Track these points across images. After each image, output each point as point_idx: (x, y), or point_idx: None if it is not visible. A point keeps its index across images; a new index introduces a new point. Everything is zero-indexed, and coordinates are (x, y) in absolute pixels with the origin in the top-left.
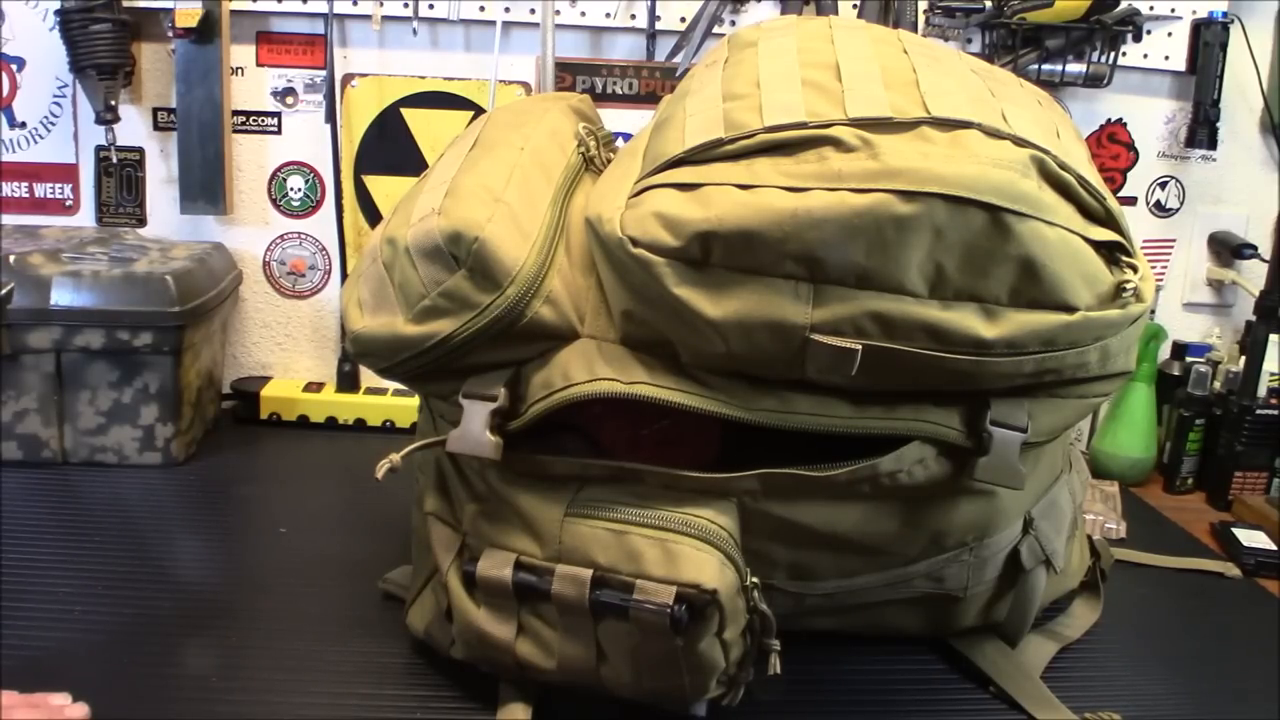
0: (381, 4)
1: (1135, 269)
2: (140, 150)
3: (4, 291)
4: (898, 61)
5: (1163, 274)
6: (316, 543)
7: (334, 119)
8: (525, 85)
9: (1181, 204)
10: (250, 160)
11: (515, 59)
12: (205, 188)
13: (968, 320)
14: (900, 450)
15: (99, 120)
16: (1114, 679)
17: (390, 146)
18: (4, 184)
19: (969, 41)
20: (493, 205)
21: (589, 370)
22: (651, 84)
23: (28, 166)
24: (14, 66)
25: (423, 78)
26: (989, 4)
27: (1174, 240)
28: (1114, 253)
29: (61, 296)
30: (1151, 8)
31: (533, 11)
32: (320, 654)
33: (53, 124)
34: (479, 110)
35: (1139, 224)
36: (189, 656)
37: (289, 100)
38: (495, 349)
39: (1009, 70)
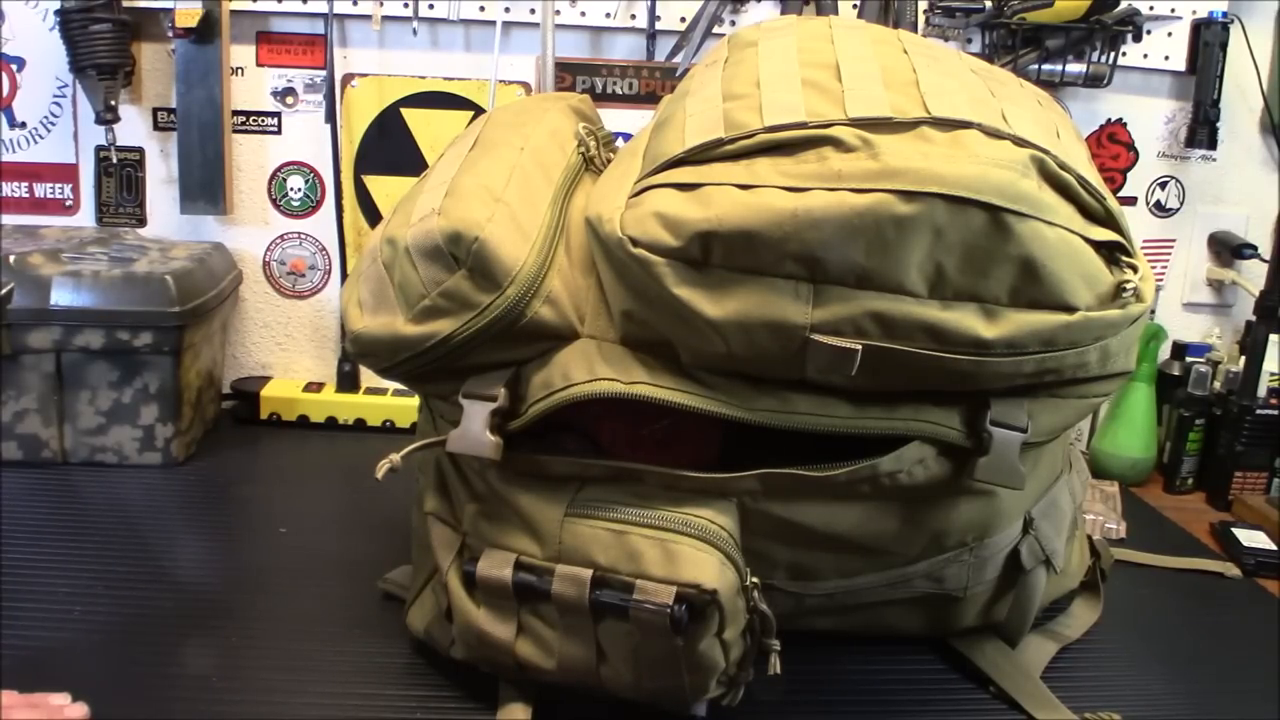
0: (381, 4)
1: (1135, 269)
2: (140, 150)
3: (4, 291)
4: (898, 61)
5: (1163, 274)
6: (316, 543)
7: (334, 119)
8: (525, 85)
9: (1181, 204)
10: (250, 160)
11: (515, 59)
12: (205, 188)
13: (968, 320)
14: (900, 450)
15: (99, 120)
16: (1114, 679)
17: (390, 146)
18: (4, 184)
19: (969, 41)
20: (493, 205)
21: (589, 370)
22: (651, 84)
23: (28, 166)
24: (14, 66)
25: (423, 78)
26: (989, 4)
27: (1174, 240)
28: (1114, 253)
29: (61, 296)
30: (1151, 8)
31: (533, 11)
32: (320, 654)
33: (53, 124)
34: (479, 110)
35: (1139, 224)
36: (189, 656)
37: (289, 100)
38: (495, 349)
39: (1009, 70)
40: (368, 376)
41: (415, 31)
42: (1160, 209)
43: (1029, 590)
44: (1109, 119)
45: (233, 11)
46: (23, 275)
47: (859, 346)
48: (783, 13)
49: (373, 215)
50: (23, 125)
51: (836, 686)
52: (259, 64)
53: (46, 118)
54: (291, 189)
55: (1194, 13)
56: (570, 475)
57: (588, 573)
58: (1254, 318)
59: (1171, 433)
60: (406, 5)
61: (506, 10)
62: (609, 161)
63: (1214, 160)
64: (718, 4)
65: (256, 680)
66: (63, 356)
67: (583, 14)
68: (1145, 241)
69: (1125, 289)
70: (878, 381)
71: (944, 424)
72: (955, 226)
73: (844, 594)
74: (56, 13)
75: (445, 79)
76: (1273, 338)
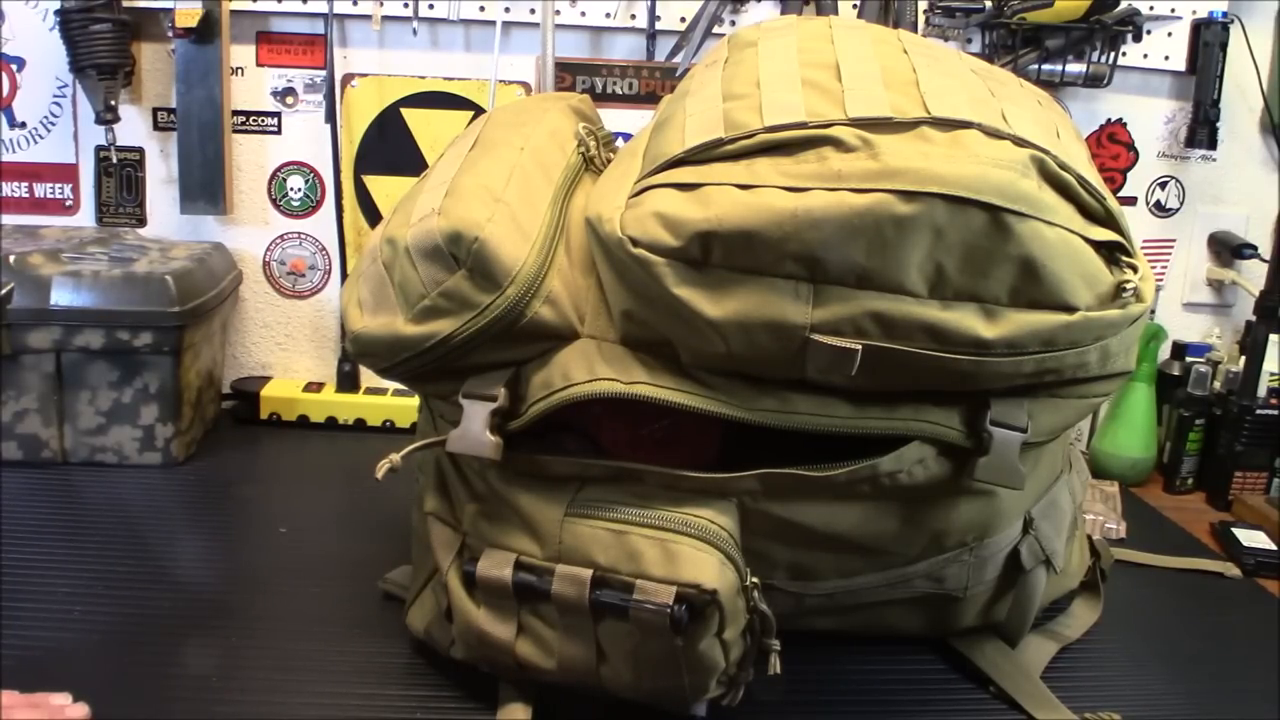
0: (381, 4)
1: (1135, 269)
2: (140, 150)
3: (4, 291)
4: (898, 61)
5: (1163, 274)
6: (316, 543)
7: (334, 119)
8: (525, 85)
9: (1181, 204)
10: (250, 160)
11: (515, 59)
12: (205, 188)
13: (968, 320)
14: (900, 450)
15: (99, 120)
16: (1114, 679)
17: (390, 146)
18: (4, 184)
19: (969, 41)
20: (493, 205)
21: (589, 370)
22: (651, 84)
23: (28, 166)
24: (14, 66)
25: (423, 78)
26: (989, 4)
27: (1174, 240)
28: (1114, 253)
29: (61, 296)
30: (1151, 8)
31: (533, 11)
32: (320, 654)
33: (53, 124)
34: (479, 110)
35: (1139, 224)
36: (189, 656)
37: (289, 100)
38: (495, 349)
39: (1009, 70)
40: (368, 376)
41: (415, 31)
42: (1160, 209)
43: (1029, 590)
44: (1109, 119)
45: (233, 11)
46: (23, 275)
47: (859, 346)
48: (783, 13)
49: (373, 215)
50: (23, 125)
51: (836, 686)
52: (259, 64)
53: (46, 118)
54: (291, 189)
55: (1194, 13)
56: (570, 475)
57: (588, 573)
58: (1254, 318)
59: (1171, 433)
60: (406, 5)
61: (506, 10)
62: (609, 161)
63: (1214, 160)
64: (718, 4)
65: (256, 680)
66: (63, 356)
67: (583, 14)
68: (1145, 241)
69: (1125, 289)
70: (878, 381)
71: (944, 424)
72: (955, 226)
73: (844, 594)
74: (56, 13)
75: (445, 79)
76: (1273, 338)
